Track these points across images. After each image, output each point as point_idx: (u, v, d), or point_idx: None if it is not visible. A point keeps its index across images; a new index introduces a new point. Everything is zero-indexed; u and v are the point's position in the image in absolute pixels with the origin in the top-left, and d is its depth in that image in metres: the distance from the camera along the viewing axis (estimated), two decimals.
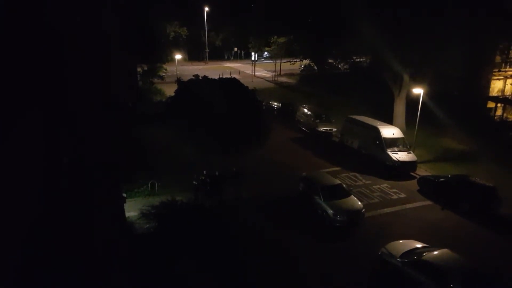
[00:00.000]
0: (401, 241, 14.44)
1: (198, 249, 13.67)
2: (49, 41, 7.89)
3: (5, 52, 7.03)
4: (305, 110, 31.78)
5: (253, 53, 56.52)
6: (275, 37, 52.22)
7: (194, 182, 18.41)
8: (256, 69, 55.77)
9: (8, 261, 7.13)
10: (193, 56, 67.13)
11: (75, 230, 8.72)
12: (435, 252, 12.93)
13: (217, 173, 18.61)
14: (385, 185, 21.29)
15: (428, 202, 19.34)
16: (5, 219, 7.13)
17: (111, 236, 10.47)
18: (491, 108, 33.67)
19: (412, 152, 23.20)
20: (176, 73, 45.11)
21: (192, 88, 30.18)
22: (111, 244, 10.46)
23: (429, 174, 22.27)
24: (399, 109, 29.92)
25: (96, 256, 9.22)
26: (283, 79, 54.21)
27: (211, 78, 32.93)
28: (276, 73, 54.65)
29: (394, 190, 20.69)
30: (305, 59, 51.26)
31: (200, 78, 32.86)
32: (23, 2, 7.39)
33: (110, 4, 10.58)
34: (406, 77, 28.43)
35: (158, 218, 15.94)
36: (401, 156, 22.56)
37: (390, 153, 22.66)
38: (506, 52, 32.39)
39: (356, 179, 22.05)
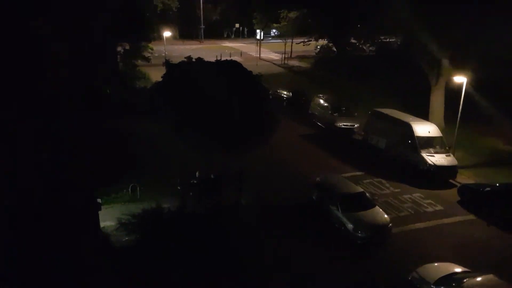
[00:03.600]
0: (436, 264, 14.45)
1: (188, 269, 13.63)
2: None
3: None
4: (321, 101, 31.71)
5: (258, 31, 56.38)
6: (286, 11, 51.94)
7: (178, 188, 18.39)
8: (262, 50, 55.82)
9: None
10: (185, 33, 67.31)
11: (33, 241, 8.70)
12: (479, 279, 12.87)
13: (212, 176, 18.58)
14: (418, 194, 21.21)
15: (471, 217, 19.26)
16: None
17: (80, 250, 10.46)
18: None
19: (451, 155, 23.07)
20: (165, 54, 45.24)
21: (183, 72, 30.17)
22: (80, 259, 10.45)
23: (473, 182, 22.17)
24: (437, 101, 29.79)
25: (58, 272, 9.21)
26: (294, 62, 54.25)
27: (207, 61, 32.79)
28: (286, 55, 54.62)
29: (429, 201, 20.61)
30: (322, 39, 51.09)
31: (194, 60, 32.76)
32: None
33: None
34: (445, 62, 28.20)
35: (139, 229, 15.93)
36: (438, 159, 22.45)
37: (424, 155, 22.57)
38: None
39: (382, 187, 22.00)
